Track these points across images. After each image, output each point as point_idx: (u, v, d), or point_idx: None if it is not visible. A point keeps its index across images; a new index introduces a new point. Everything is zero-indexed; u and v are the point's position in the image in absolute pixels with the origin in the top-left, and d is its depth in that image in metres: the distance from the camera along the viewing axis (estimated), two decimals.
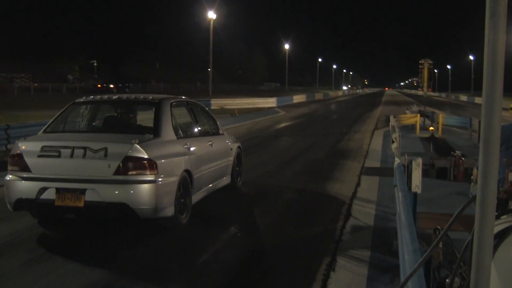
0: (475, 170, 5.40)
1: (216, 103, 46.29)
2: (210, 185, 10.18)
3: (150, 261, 7.16)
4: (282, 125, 33.11)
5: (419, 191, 7.30)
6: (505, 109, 3.00)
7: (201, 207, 9.40)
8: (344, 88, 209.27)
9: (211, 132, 10.95)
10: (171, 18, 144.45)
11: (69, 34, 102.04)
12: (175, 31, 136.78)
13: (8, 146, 16.19)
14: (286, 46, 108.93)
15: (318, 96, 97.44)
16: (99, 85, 76.70)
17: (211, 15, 61.46)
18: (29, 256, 7.16)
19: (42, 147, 7.96)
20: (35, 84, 73.29)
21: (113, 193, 7.66)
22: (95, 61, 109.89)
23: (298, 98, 73.86)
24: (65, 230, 8.69)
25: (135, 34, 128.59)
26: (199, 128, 10.42)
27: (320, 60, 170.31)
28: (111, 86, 75.52)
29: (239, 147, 12.11)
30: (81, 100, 9.80)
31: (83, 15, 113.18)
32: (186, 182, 8.73)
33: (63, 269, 6.73)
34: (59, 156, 7.82)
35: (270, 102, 57.62)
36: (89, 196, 7.65)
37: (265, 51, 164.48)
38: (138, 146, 7.71)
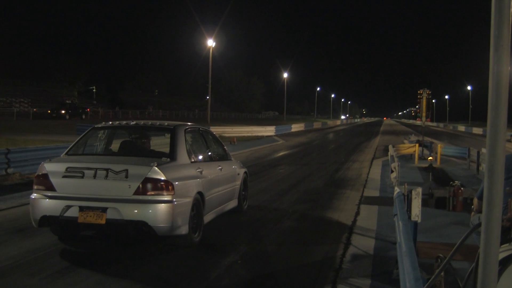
0: (475, 200, 5.45)
1: (215, 130, 46.07)
2: (220, 207, 10.73)
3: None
4: (281, 153, 33.13)
5: (419, 220, 7.35)
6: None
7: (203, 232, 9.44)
8: (342, 117, 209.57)
9: (221, 157, 11.54)
10: (171, 45, 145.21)
11: (68, 60, 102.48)
12: (174, 58, 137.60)
13: (8, 171, 16.12)
14: (285, 75, 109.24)
15: (316, 125, 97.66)
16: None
17: (210, 43, 61.73)
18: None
19: (67, 168, 8.51)
20: (34, 109, 73.32)
21: (133, 212, 8.17)
22: (94, 87, 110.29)
23: (296, 127, 74.02)
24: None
25: (135, 60, 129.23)
26: (210, 153, 10.97)
27: (318, 89, 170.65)
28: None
29: (245, 172, 12.71)
30: (100, 126, 10.46)
31: (83, 41, 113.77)
32: (199, 203, 9.27)
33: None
34: (82, 177, 8.39)
35: (269, 130, 57.75)
36: (111, 214, 8.17)
37: (264, 79, 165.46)
38: (157, 168, 8.27)
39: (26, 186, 14.35)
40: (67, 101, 74.30)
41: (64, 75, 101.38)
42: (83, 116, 70.54)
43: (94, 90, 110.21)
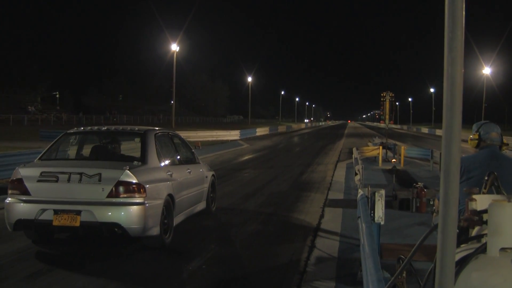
0: (436, 201, 5.52)
1: None
2: (189, 209, 11.03)
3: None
4: (246, 157, 33.11)
5: (382, 222, 7.40)
6: (464, 140, 3.10)
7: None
8: (306, 120, 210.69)
9: (189, 160, 11.86)
10: (135, 50, 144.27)
11: (31, 65, 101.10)
12: (138, 63, 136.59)
13: None
14: (249, 79, 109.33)
15: (281, 128, 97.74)
16: None
17: (174, 47, 61.46)
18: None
19: (41, 172, 8.70)
20: None
21: (107, 214, 8.41)
22: (57, 92, 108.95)
23: (261, 131, 74.00)
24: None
25: (98, 65, 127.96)
26: (179, 157, 11.25)
27: (282, 92, 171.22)
28: None
29: (213, 175, 13.06)
30: (72, 131, 10.67)
31: (45, 46, 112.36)
32: (169, 205, 9.55)
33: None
34: (57, 181, 8.59)
35: (233, 134, 57.65)
36: (85, 217, 8.38)
37: (229, 83, 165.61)
38: (129, 171, 8.53)
39: None
40: None
41: (27, 80, 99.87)
42: None
43: (57, 96, 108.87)
